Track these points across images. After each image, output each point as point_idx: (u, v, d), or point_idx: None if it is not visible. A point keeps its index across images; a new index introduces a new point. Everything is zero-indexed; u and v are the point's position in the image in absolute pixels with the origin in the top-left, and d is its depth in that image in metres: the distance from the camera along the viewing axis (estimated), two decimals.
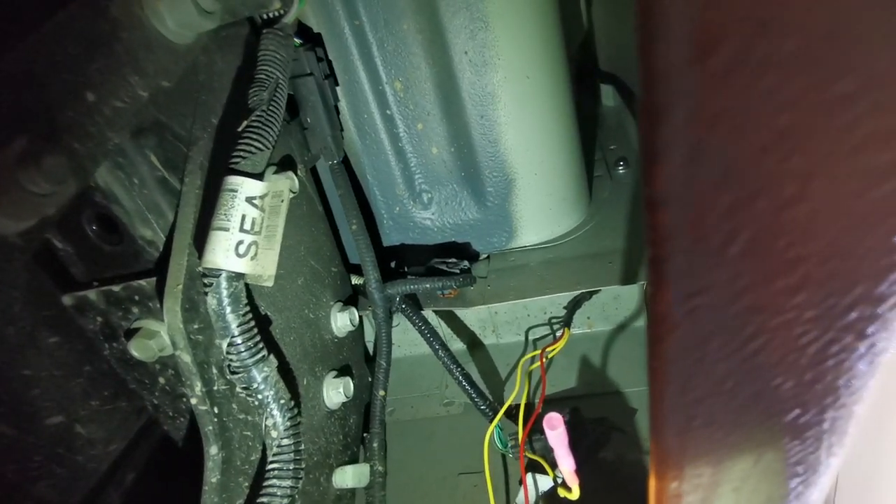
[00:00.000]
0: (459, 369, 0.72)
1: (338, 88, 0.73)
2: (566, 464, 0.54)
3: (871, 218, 0.15)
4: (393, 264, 0.86)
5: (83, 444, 0.55)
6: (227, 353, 0.46)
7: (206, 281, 0.45)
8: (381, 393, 0.70)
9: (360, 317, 0.77)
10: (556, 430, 0.49)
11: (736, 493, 0.23)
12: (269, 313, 0.55)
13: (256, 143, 0.48)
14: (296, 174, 0.62)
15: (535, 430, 0.66)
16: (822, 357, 0.19)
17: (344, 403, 0.67)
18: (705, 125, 0.12)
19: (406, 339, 0.92)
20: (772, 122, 0.12)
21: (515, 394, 0.73)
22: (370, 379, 0.76)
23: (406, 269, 0.83)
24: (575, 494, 0.56)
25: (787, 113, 0.12)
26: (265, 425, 0.48)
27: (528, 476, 0.65)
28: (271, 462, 0.48)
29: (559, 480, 0.60)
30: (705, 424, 0.20)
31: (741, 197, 0.13)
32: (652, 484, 0.21)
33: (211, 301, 0.45)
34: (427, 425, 0.84)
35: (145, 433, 0.62)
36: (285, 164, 0.64)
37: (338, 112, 0.75)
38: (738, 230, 0.14)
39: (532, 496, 0.65)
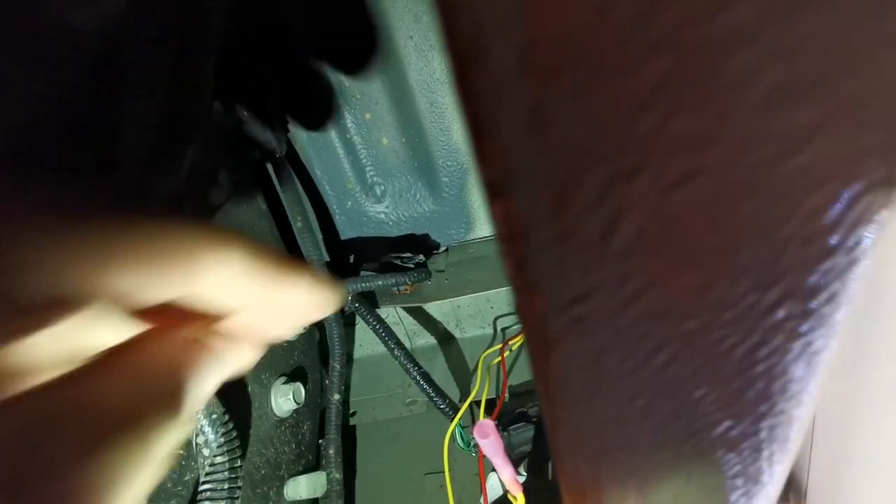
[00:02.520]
0: (417, 368, 0.69)
1: None
2: (506, 473, 0.51)
3: (790, 194, 0.12)
4: (352, 259, 0.83)
5: None
6: None
7: None
8: (336, 397, 0.67)
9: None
10: (487, 439, 0.46)
11: None
12: None
13: None
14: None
15: (499, 427, 0.63)
16: (749, 363, 0.16)
17: (296, 410, 0.64)
18: (545, 75, 0.09)
19: (366, 338, 0.89)
20: (640, 70, 0.09)
21: (475, 391, 0.70)
22: (326, 382, 0.72)
23: (362, 265, 0.80)
24: (520, 502, 0.53)
25: (661, 56, 0.09)
26: (195, 443, 0.44)
27: (493, 475, 0.62)
28: (203, 483, 0.44)
29: (520, 480, 0.58)
30: (620, 447, 0.17)
31: (615, 175, 0.10)
32: None
33: None
34: (391, 426, 0.82)
35: None
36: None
37: None
38: (619, 218, 0.11)
39: (496, 495, 0.62)
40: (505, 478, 0.51)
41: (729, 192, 0.11)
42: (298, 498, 0.60)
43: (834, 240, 0.13)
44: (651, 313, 0.13)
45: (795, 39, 0.09)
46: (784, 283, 0.14)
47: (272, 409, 0.60)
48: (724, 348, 0.15)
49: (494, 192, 0.10)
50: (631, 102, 0.09)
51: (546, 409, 0.14)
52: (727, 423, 0.18)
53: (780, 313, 0.15)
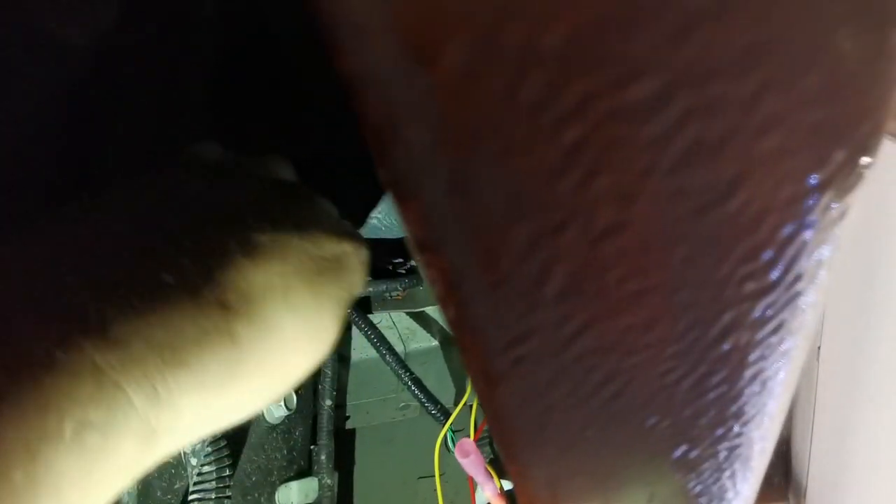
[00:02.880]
0: (408, 374, 0.70)
1: None
2: (487, 489, 0.51)
3: (722, 240, 0.12)
4: None
5: None
6: None
7: None
8: (328, 402, 0.67)
9: None
10: (468, 458, 0.46)
11: None
12: None
13: None
14: None
15: (485, 433, 0.64)
16: (699, 391, 0.16)
17: (288, 416, 0.64)
18: (460, 146, 0.09)
19: (362, 343, 0.89)
20: (554, 139, 0.09)
21: (467, 395, 0.71)
22: (318, 387, 0.73)
23: None
24: None
25: (573, 125, 0.09)
26: (183, 452, 0.45)
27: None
28: (192, 492, 0.45)
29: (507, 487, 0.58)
30: (575, 474, 0.17)
31: (541, 229, 0.11)
32: None
33: None
34: (384, 430, 0.82)
35: None
36: None
37: None
38: (550, 268, 0.11)
39: (484, 501, 0.63)
40: (488, 493, 0.52)
41: (659, 240, 0.12)
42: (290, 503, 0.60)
43: (774, 275, 0.13)
44: (594, 351, 0.13)
45: (706, 102, 0.09)
46: (727, 317, 0.14)
47: (263, 416, 0.60)
48: (671, 380, 0.15)
49: (423, 248, 0.10)
50: (548, 167, 0.10)
51: (500, 443, 0.15)
52: (684, 447, 0.18)
53: (726, 345, 0.15)
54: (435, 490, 0.80)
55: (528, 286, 0.11)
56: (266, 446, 0.60)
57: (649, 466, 0.18)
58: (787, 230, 0.12)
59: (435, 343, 0.91)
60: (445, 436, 0.68)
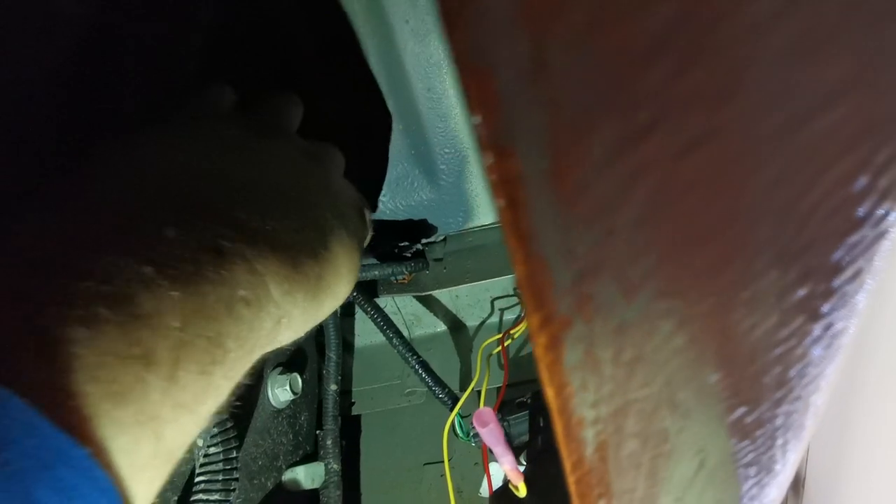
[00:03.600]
0: (416, 357, 0.69)
1: None
2: (506, 462, 0.50)
3: (815, 159, 0.11)
4: None
5: None
6: None
7: None
8: (333, 387, 0.66)
9: None
10: (486, 427, 0.45)
11: (678, 502, 0.19)
12: None
13: None
14: None
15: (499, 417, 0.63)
16: (767, 345, 0.15)
17: (293, 401, 0.63)
18: (545, 15, 0.07)
19: (365, 329, 0.88)
20: (646, 15, 0.08)
21: (476, 380, 0.70)
22: (323, 372, 0.72)
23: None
24: (522, 492, 0.52)
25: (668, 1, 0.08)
26: None
27: (494, 465, 0.62)
28: (198, 475, 0.44)
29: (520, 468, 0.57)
30: (631, 435, 0.16)
31: (625, 131, 0.09)
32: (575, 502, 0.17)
33: None
34: (390, 416, 0.81)
35: None
36: None
37: None
38: (630, 183, 0.10)
39: (496, 484, 0.62)
40: (505, 467, 0.51)
41: (748, 155, 0.10)
42: (296, 489, 0.59)
43: (862, 211, 0.12)
44: (664, 294, 0.12)
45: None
46: (807, 258, 0.13)
47: (269, 400, 0.59)
48: (741, 330, 0.14)
49: (491, 146, 0.09)
50: (638, 50, 0.08)
51: (552, 394, 0.13)
52: (742, 410, 0.17)
53: (801, 292, 0.13)
54: (440, 476, 0.79)
55: (605, 205, 0.10)
56: (272, 430, 0.59)
57: (704, 430, 0.17)
58: (885, 153, 0.11)
59: (440, 330, 0.90)
60: (453, 421, 0.68)
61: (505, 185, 0.09)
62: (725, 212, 0.11)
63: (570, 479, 0.16)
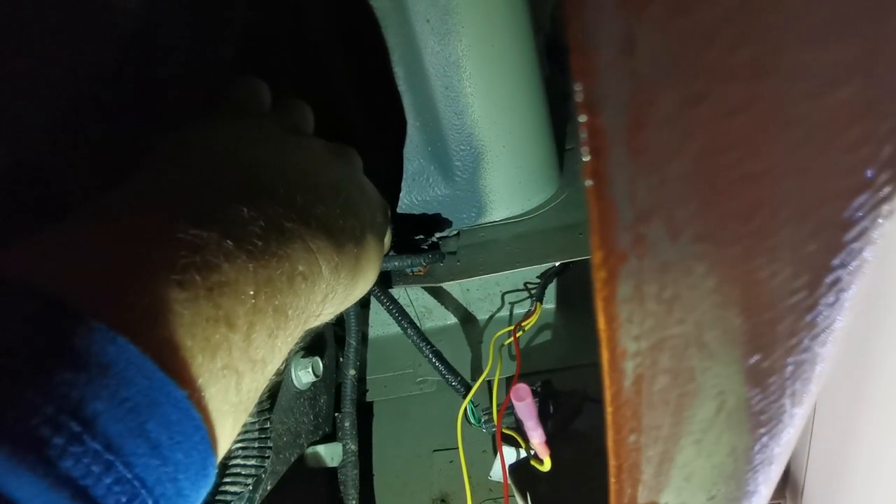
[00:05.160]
0: (429, 346, 0.71)
1: None
2: (536, 435, 0.53)
3: (831, 125, 0.13)
4: None
5: None
6: None
7: None
8: (352, 372, 0.69)
9: None
10: (523, 402, 0.48)
11: (697, 445, 0.22)
12: None
13: None
14: None
15: (509, 405, 0.65)
16: (782, 293, 0.17)
17: (314, 384, 0.65)
18: (636, 6, 0.10)
19: (378, 320, 0.91)
20: (712, 3, 0.10)
21: (488, 370, 0.72)
22: (341, 359, 0.74)
23: None
24: (546, 466, 0.55)
25: None
26: None
27: (503, 449, 0.64)
28: (236, 441, 0.46)
29: (532, 453, 0.59)
30: (664, 371, 0.18)
31: (685, 97, 0.12)
32: (610, 436, 0.19)
33: None
34: (401, 404, 0.83)
35: None
36: None
37: None
38: (684, 140, 0.12)
39: (507, 469, 0.64)
40: (535, 440, 0.54)
41: (778, 121, 0.13)
42: (316, 465, 0.62)
43: (869, 173, 0.15)
44: (700, 237, 0.15)
45: None
46: (820, 213, 0.15)
47: (293, 381, 0.62)
48: (761, 277, 0.17)
49: (588, 106, 0.11)
50: (701, 32, 0.11)
51: (604, 324, 0.16)
52: (757, 356, 0.19)
53: (813, 245, 0.16)
54: (450, 462, 0.82)
55: (663, 157, 0.13)
56: (294, 410, 0.61)
57: (725, 372, 0.20)
58: (886, 126, 0.14)
59: (450, 322, 0.92)
60: (465, 408, 0.70)
61: (592, 138, 0.12)
62: (756, 168, 0.14)
63: (609, 410, 0.18)
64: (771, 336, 0.19)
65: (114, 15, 0.46)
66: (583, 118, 0.12)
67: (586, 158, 0.12)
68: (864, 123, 0.14)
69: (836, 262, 0.17)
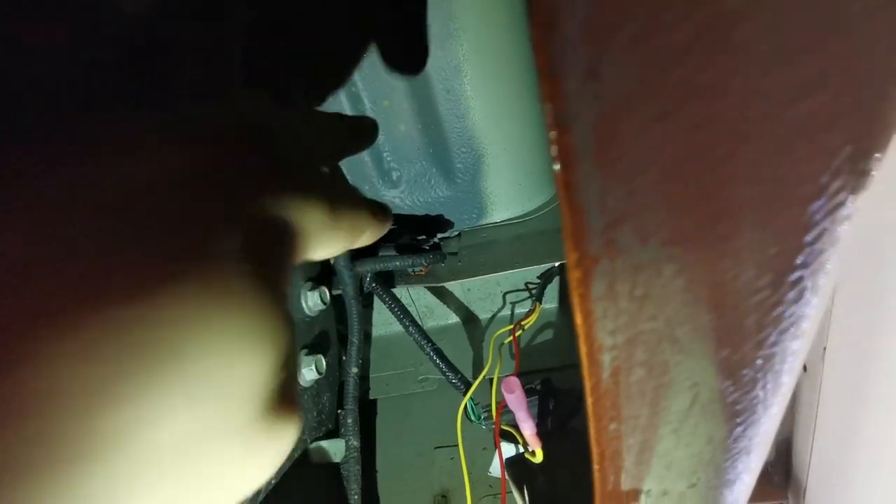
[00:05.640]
0: (430, 345, 0.72)
1: None
2: (527, 427, 0.54)
3: (786, 142, 0.15)
4: None
5: None
6: None
7: None
8: (354, 370, 0.70)
9: (333, 295, 0.77)
10: (513, 394, 0.49)
11: (675, 434, 0.23)
12: None
13: None
14: None
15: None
16: (747, 291, 0.19)
17: (317, 381, 0.67)
18: (602, 35, 0.12)
19: (381, 319, 0.92)
20: (670, 32, 0.12)
21: (488, 368, 0.73)
22: (344, 357, 0.76)
23: (381, 246, 0.83)
24: (538, 457, 0.56)
25: (689, 21, 0.12)
26: None
27: (502, 445, 0.66)
28: None
29: (530, 449, 0.61)
30: (639, 364, 0.20)
31: (649, 116, 0.13)
32: (591, 425, 0.21)
33: None
34: (402, 402, 0.85)
35: None
36: None
37: None
38: (650, 155, 0.14)
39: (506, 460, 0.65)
40: (527, 432, 0.55)
41: (738, 136, 0.14)
42: (320, 460, 0.63)
43: (824, 179, 0.16)
44: (671, 241, 0.16)
45: (784, 14, 0.12)
46: (782, 218, 0.17)
47: (297, 379, 0.63)
48: (727, 277, 0.18)
49: (557, 125, 0.13)
50: (660, 62, 0.12)
51: (580, 320, 0.17)
52: (727, 350, 0.21)
53: (773, 249, 0.18)
54: (451, 459, 0.83)
55: (630, 171, 0.14)
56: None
57: (698, 366, 0.21)
58: (838, 140, 0.15)
59: (451, 322, 0.93)
60: (466, 405, 0.71)
61: (562, 153, 0.13)
62: (718, 180, 0.15)
63: (589, 401, 0.20)
64: (739, 331, 0.20)
65: (119, 15, 0.47)
66: (552, 135, 0.13)
67: (557, 168, 0.14)
68: (818, 136, 0.15)
69: (798, 261, 0.18)
